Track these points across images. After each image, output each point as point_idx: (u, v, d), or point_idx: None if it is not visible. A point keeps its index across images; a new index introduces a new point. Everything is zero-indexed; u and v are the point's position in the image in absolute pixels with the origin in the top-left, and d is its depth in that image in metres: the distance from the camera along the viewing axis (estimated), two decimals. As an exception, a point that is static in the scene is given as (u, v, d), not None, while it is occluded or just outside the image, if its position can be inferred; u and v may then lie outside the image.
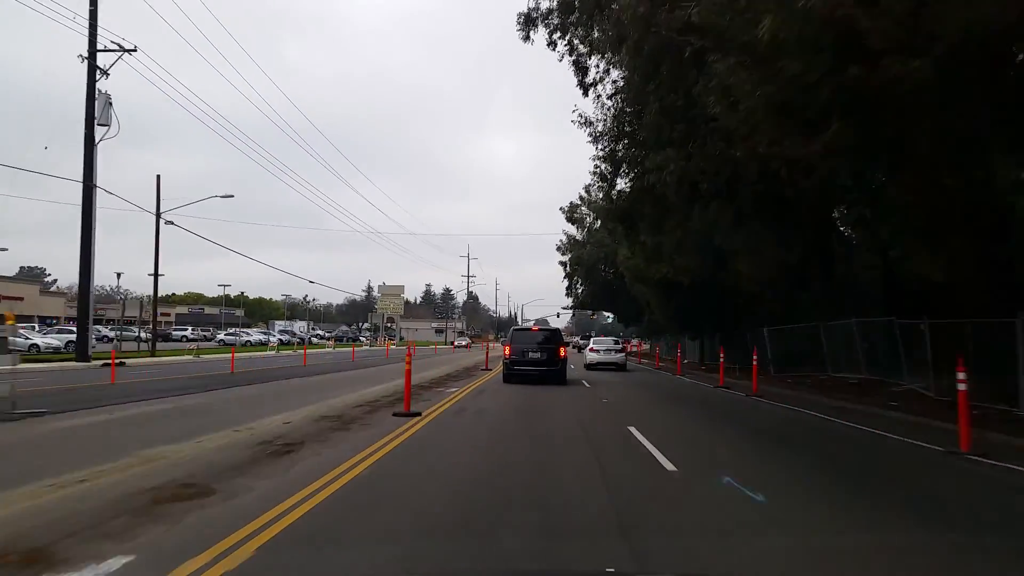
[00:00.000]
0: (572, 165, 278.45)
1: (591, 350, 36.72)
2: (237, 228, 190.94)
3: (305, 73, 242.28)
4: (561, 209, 64.50)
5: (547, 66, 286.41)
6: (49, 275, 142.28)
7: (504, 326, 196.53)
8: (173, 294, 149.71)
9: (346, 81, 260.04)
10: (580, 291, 64.40)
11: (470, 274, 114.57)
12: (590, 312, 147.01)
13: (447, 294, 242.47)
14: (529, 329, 26.44)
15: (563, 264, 64.66)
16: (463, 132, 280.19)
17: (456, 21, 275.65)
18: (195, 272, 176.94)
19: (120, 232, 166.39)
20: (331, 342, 64.74)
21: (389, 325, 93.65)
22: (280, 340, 76.32)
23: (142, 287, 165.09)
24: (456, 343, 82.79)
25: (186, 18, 61.53)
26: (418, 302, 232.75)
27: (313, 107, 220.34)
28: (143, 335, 45.50)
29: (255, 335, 71.13)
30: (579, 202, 64.76)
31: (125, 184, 64.06)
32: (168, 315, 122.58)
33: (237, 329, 73.39)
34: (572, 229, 65.15)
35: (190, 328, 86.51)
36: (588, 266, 61.69)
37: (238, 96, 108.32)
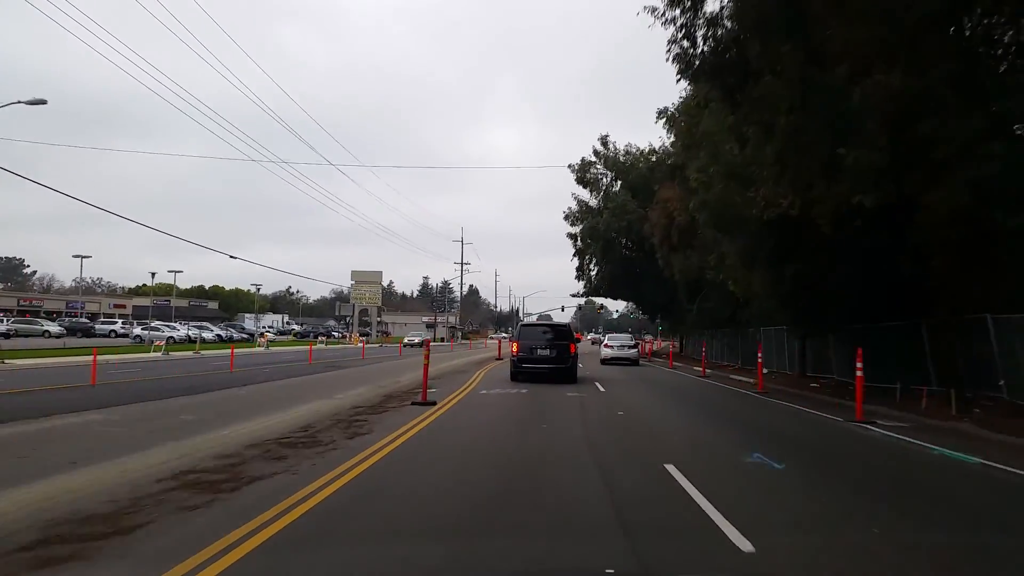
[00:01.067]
0: (575, 160, 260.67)
1: (605, 346, 36.39)
2: (230, 222, 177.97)
3: (301, 64, 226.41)
4: (570, 167, 49.13)
5: (553, 52, 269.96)
6: (28, 266, 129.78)
7: (504, 321, 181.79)
8: (143, 285, 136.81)
9: (344, 73, 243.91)
10: (593, 273, 49.01)
11: (464, 262, 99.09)
12: (597, 305, 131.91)
13: (445, 287, 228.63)
14: (538, 324, 23.75)
15: (572, 237, 49.15)
16: (463, 125, 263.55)
17: (458, 10, 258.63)
18: (193, 267, 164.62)
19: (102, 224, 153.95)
20: (263, 339, 49.30)
21: (366, 319, 78.44)
22: (219, 336, 61.30)
23: (129, 278, 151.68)
24: (408, 340, 61.62)
25: (166, 10, 48.03)
26: (415, 295, 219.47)
27: (312, 100, 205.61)
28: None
29: (182, 331, 55.91)
30: (593, 158, 49.36)
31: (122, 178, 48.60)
32: (123, 307, 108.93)
33: (158, 323, 58.24)
34: (584, 193, 49.79)
35: (120, 322, 71.97)
36: (604, 239, 46.27)
37: (230, 88, 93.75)
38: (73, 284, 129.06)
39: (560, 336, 21.19)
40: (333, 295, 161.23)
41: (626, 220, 44.93)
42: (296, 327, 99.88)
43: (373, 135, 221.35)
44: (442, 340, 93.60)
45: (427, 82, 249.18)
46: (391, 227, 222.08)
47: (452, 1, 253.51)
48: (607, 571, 4.41)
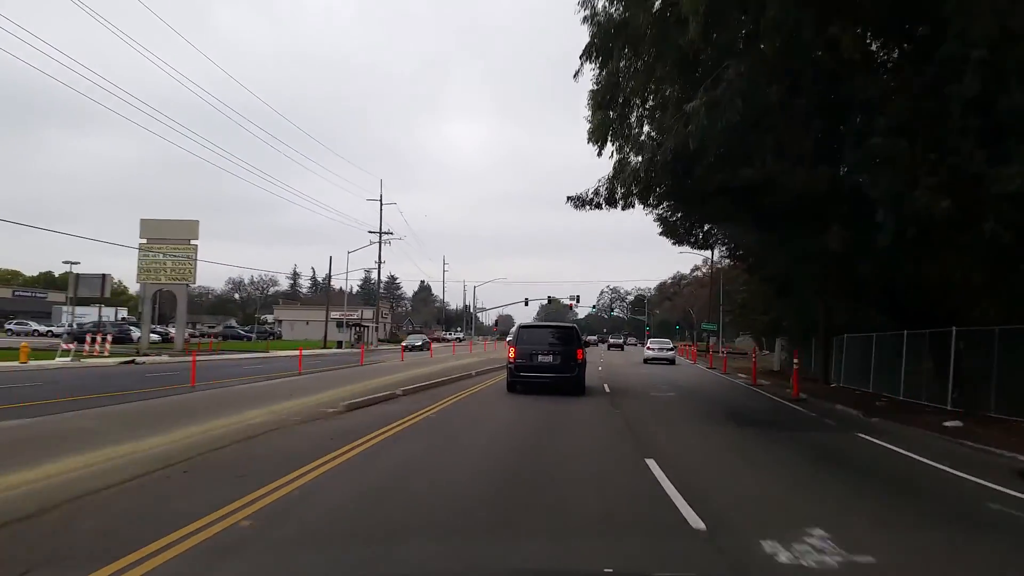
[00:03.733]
0: (546, 157, 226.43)
1: (648, 348, 42.38)
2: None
3: (242, 52, 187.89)
4: None
5: (520, 41, 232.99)
6: None
7: (453, 320, 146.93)
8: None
9: (297, 62, 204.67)
10: (648, 128, 13.83)
11: (386, 231, 63.66)
12: (569, 299, 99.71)
13: (392, 282, 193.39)
14: (539, 326, 21.00)
15: (586, 55, 13.09)
16: (422, 121, 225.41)
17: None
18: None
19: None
20: None
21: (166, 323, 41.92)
22: None
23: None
24: None
25: None
26: (354, 291, 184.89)
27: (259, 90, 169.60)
28: None
29: None
30: None
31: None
32: None
33: None
34: None
35: None
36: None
37: (167, 79, 61.26)
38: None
39: (565, 340, 18.03)
40: (230, 286, 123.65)
41: None
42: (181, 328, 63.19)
43: (324, 130, 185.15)
44: (338, 345, 58.13)
45: (380, 72, 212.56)
46: (332, 221, 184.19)
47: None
48: (606, 570, 4.45)
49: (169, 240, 39.94)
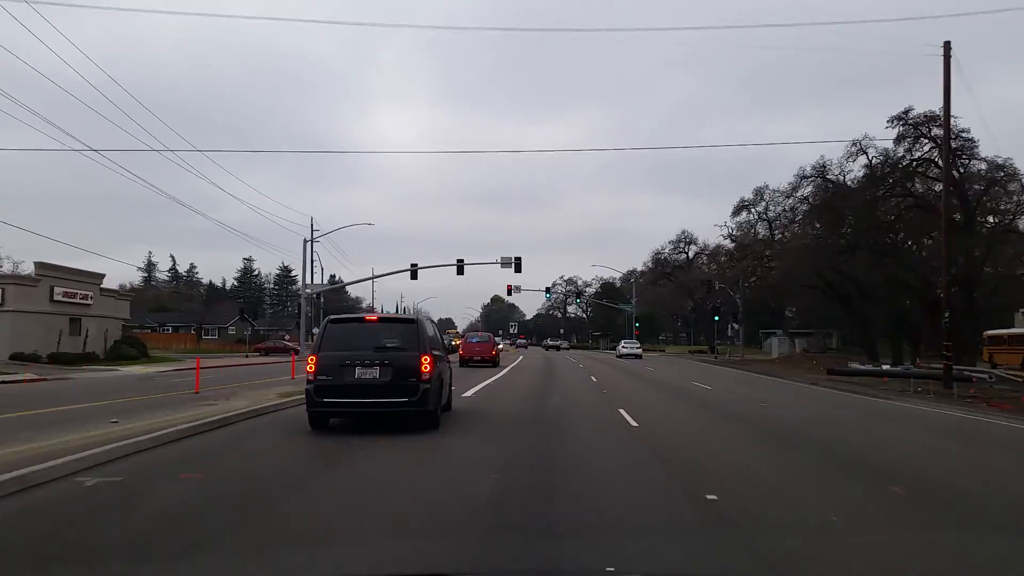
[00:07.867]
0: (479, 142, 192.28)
1: (622, 347, 57.21)
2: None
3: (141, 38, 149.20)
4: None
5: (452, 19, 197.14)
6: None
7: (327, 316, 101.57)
8: None
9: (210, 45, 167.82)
10: None
11: None
12: (500, 263, 57.42)
13: (285, 274, 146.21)
14: (360, 320, 12.60)
15: None
16: (344, 110, 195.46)
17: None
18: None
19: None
20: None
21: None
22: None
23: None
24: None
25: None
26: (227, 284, 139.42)
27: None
28: None
29: None
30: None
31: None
32: None
33: None
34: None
35: None
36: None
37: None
38: None
39: (400, 341, 10.49)
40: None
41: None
42: None
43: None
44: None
45: (302, 55, 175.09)
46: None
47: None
48: (607, 570, 4.25)
49: None
